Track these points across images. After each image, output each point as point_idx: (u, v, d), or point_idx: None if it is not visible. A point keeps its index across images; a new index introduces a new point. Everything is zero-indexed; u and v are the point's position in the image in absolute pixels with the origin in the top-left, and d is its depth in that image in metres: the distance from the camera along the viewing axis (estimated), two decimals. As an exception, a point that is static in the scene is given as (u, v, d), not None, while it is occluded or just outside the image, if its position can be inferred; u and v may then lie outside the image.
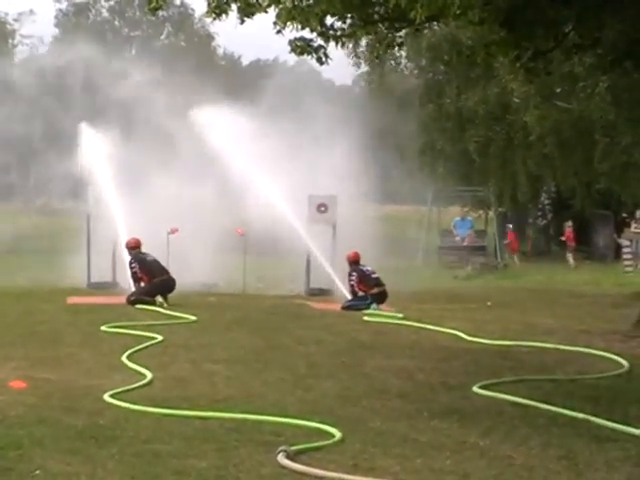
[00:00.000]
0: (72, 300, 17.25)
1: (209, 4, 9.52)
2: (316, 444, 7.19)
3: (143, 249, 17.56)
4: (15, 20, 57.84)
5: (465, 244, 31.13)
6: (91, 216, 19.97)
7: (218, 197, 20.71)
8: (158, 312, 15.75)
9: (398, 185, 37.17)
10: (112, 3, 67.26)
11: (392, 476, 6.58)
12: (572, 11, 9.65)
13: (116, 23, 67.09)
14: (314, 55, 9.90)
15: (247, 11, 9.38)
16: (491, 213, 33.39)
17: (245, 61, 73.30)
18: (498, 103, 24.13)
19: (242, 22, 9.57)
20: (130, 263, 17.51)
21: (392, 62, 27.23)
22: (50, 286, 19.74)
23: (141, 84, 23.38)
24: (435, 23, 12.59)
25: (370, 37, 13.05)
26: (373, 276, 17.43)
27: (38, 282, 20.77)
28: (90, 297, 17.84)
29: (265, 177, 19.59)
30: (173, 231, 19.44)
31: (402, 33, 10.75)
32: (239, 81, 52.37)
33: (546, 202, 34.67)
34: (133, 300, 16.73)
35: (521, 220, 37.00)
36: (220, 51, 68.50)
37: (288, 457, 6.74)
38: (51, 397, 8.82)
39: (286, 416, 8.09)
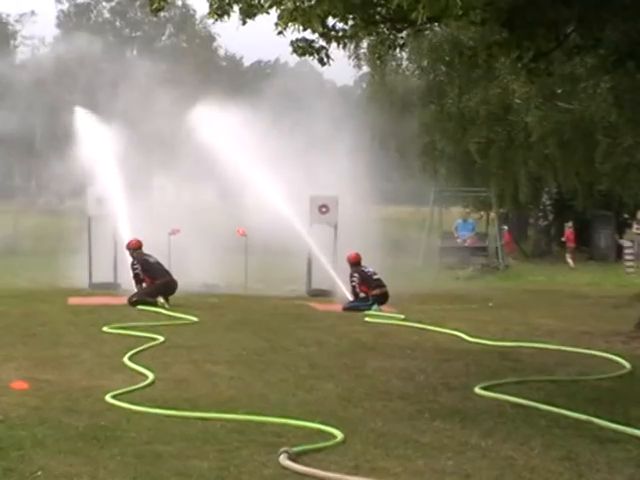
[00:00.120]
0: (73, 301, 17.24)
1: (211, 5, 9.51)
2: (318, 445, 7.19)
3: (144, 250, 17.56)
4: (16, 21, 58.01)
5: (466, 245, 31.17)
6: (92, 217, 19.96)
7: (219, 198, 20.70)
8: (159, 313, 15.75)
9: (399, 186, 37.21)
10: (113, 4, 67.30)
11: (394, 477, 6.58)
12: (573, 11, 9.65)
13: (117, 24, 67.13)
14: (316, 56, 9.90)
15: (249, 12, 9.37)
16: (492, 214, 33.35)
17: (246, 62, 73.39)
18: (499, 104, 24.06)
19: (244, 23, 9.56)
20: (132, 264, 17.48)
21: (393, 63, 27.17)
22: (51, 287, 19.75)
23: (142, 85, 23.40)
24: (437, 24, 12.55)
25: (372, 38, 13.02)
26: (374, 277, 17.44)
27: (39, 283, 20.78)
28: (91, 298, 17.83)
29: (266, 178, 19.58)
30: (174, 231, 19.45)
31: (404, 34, 10.72)
32: (240, 82, 52.38)
33: (547, 203, 34.66)
34: (134, 301, 16.72)
35: (522, 221, 37.00)
36: (221, 52, 68.59)
37: (290, 458, 6.75)
38: (52, 398, 8.82)
39: (288, 417, 8.10)
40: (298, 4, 8.88)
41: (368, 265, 17.64)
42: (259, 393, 9.33)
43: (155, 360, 10.98)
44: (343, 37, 9.80)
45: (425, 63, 25.41)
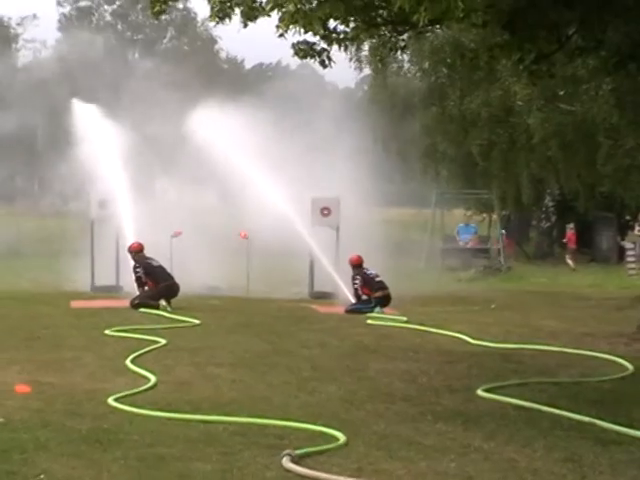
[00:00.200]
0: (76, 304, 17.25)
1: (212, 8, 9.52)
2: (320, 447, 7.20)
3: (146, 252, 17.56)
4: (18, 24, 58.02)
5: (468, 246, 31.15)
6: (94, 220, 19.96)
7: (221, 200, 20.69)
8: (162, 316, 15.75)
9: (401, 188, 37.21)
10: (115, 7, 67.33)
11: (396, 479, 6.58)
12: (575, 13, 9.65)
13: (119, 27, 67.14)
14: (317, 58, 9.90)
15: (250, 15, 9.38)
16: (495, 216, 33.35)
17: (248, 65, 73.38)
18: (501, 106, 24.07)
19: (245, 26, 9.58)
20: (134, 267, 17.48)
21: (395, 65, 27.20)
22: (54, 289, 19.75)
23: (144, 87, 23.42)
24: (438, 26, 12.56)
25: (373, 40, 13.05)
26: (377, 279, 17.44)
27: (42, 285, 20.78)
28: (94, 301, 17.82)
29: (268, 180, 19.59)
30: (177, 234, 19.46)
31: (405, 36, 10.74)
32: (242, 84, 52.39)
33: (550, 205, 34.64)
34: (137, 304, 16.73)
35: (524, 223, 36.99)
36: (223, 55, 68.56)
37: (292, 460, 6.75)
38: (55, 401, 8.83)
39: (290, 419, 8.10)
40: (299, 6, 8.88)
41: (370, 267, 17.64)
42: (261, 395, 9.33)
43: (157, 363, 10.98)
44: (344, 39, 9.80)
45: (426, 65, 25.42)
